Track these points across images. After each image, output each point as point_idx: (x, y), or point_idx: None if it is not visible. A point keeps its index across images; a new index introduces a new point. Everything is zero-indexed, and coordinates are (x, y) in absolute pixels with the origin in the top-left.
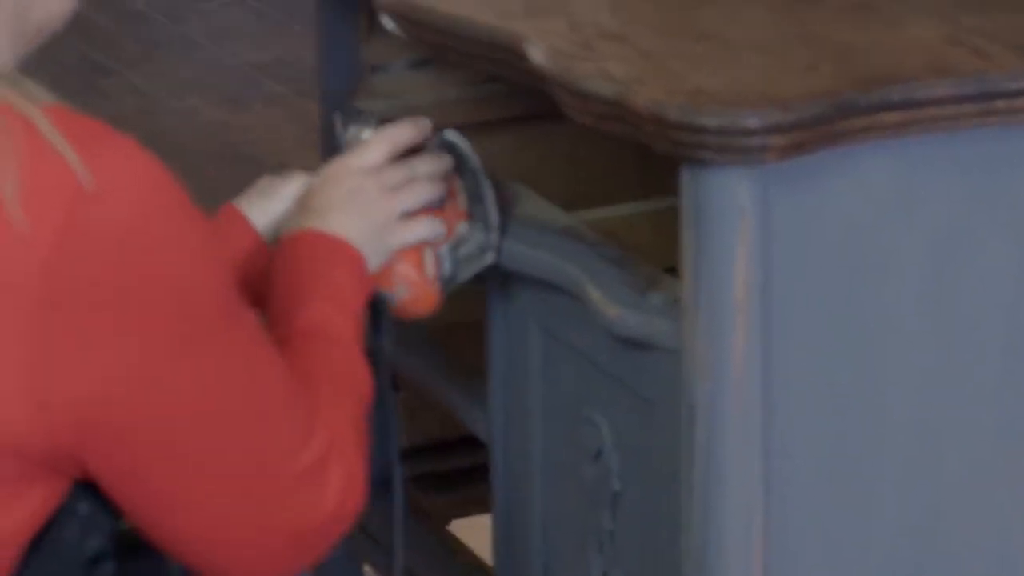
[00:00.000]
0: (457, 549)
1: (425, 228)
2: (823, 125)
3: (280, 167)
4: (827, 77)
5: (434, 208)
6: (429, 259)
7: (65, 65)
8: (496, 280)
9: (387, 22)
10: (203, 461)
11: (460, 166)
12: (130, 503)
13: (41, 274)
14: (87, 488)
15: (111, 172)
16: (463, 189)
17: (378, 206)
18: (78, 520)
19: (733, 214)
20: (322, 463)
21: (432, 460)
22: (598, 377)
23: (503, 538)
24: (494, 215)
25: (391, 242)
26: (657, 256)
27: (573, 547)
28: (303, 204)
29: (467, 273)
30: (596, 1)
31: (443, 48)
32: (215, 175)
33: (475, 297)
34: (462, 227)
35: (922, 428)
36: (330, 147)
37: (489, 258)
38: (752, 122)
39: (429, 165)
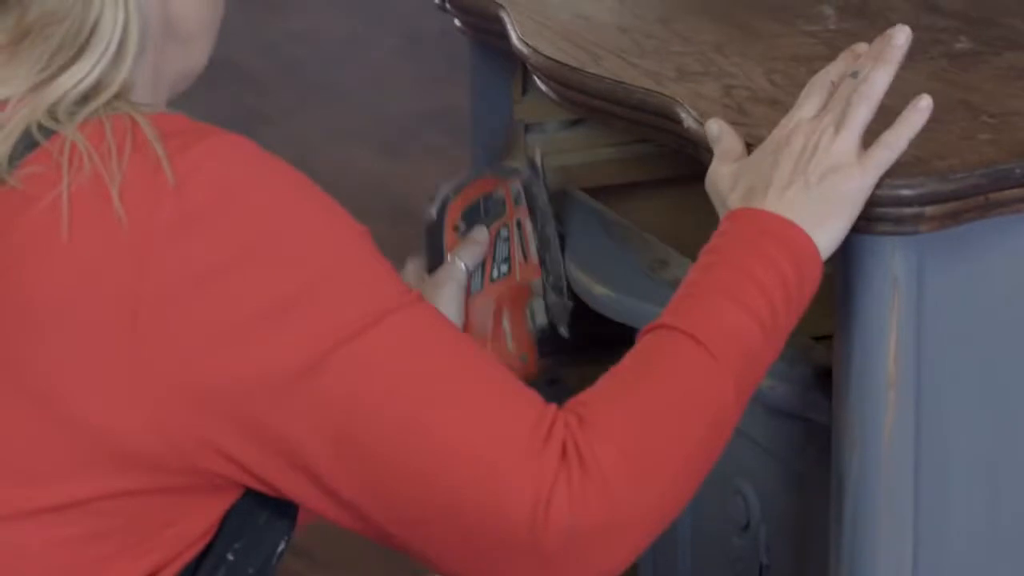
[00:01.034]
0: None
1: None
2: (979, 195)
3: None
4: (985, 145)
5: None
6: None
7: (221, 113)
8: None
9: (540, 82)
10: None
11: (531, 210)
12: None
13: (135, 269)
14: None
15: (194, 162)
16: (533, 235)
17: None
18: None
19: (886, 284)
20: (528, 458)
21: None
22: (749, 448)
23: None
24: (558, 260)
25: None
26: (810, 324)
27: None
28: None
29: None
30: (751, 65)
31: (593, 110)
32: (372, 226)
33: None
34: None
35: None
36: None
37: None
38: (907, 192)
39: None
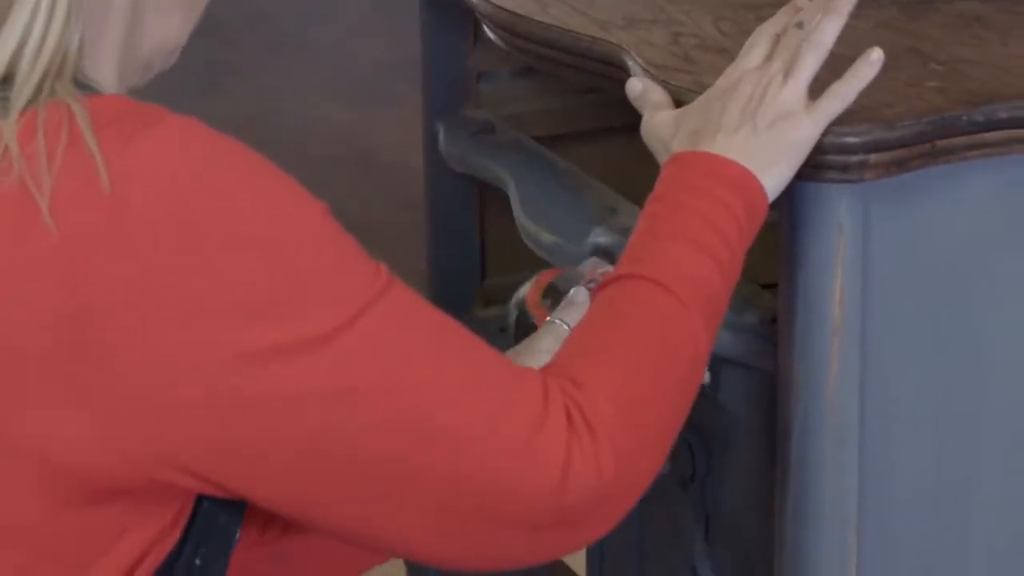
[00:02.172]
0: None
1: None
2: (925, 143)
3: None
4: (932, 93)
5: None
6: None
7: (187, 64)
8: None
9: (488, 31)
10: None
11: None
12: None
13: (69, 287)
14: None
15: (133, 161)
16: None
17: None
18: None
19: (831, 231)
20: (534, 432)
21: None
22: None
23: (598, 563)
24: None
25: None
26: (762, 273)
27: (669, 570)
28: None
29: None
30: (700, 13)
31: (541, 58)
32: (343, 178)
33: None
34: None
35: (1022, 449)
36: (434, 153)
37: None
38: (852, 140)
39: None
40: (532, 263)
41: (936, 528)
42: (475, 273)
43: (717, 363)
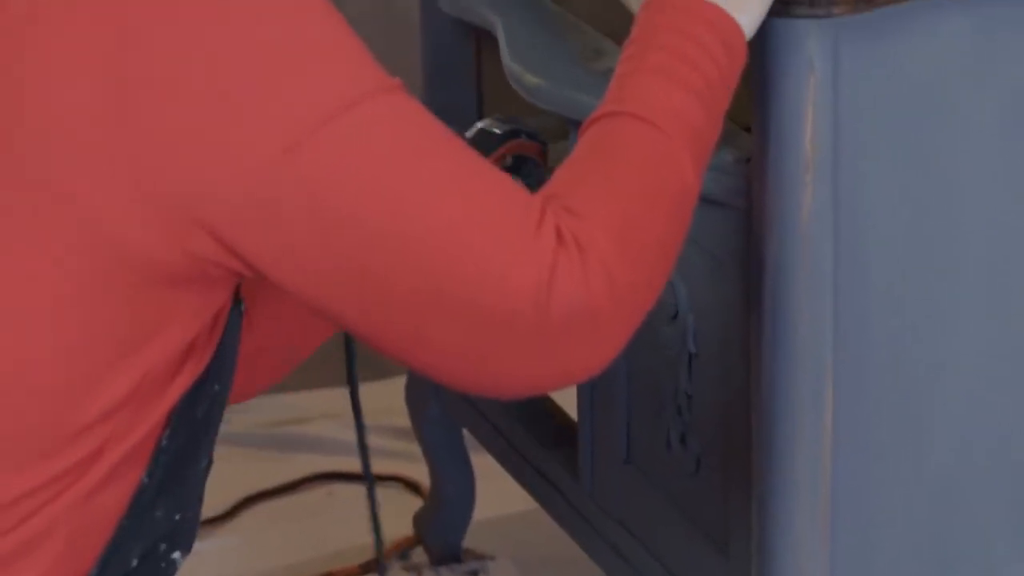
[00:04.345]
0: (550, 410)
1: None
2: None
3: None
4: None
5: None
6: None
7: None
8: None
9: None
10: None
11: None
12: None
13: (119, 45)
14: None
15: None
16: None
17: None
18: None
19: (802, 67)
20: (524, 235)
21: None
22: None
23: (588, 398)
24: None
25: None
26: (740, 113)
27: (655, 408)
28: None
29: None
30: None
31: None
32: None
33: None
34: None
35: (997, 286)
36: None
37: None
38: None
39: None
40: (528, 109)
41: (911, 362)
42: (471, 119)
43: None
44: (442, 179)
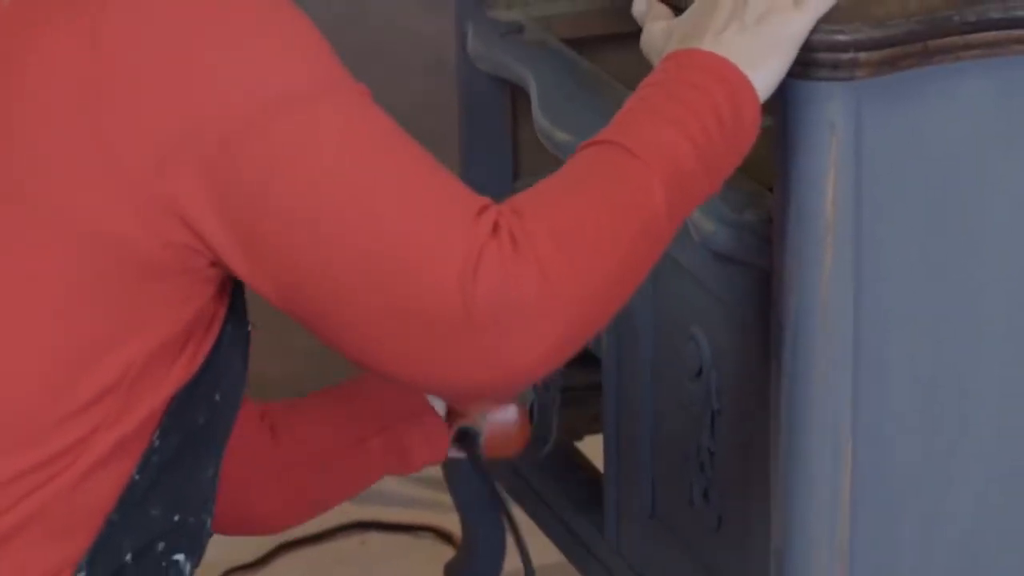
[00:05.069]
0: (579, 463)
1: None
2: (917, 42)
3: None
4: None
5: None
6: None
7: None
8: None
9: None
10: (323, 218)
11: None
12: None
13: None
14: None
15: None
16: None
17: None
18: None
19: (823, 129)
20: (456, 228)
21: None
22: (700, 294)
23: (614, 452)
24: None
25: None
26: (766, 174)
27: (678, 464)
28: None
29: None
30: None
31: None
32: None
33: None
34: None
35: (1020, 349)
36: (464, 54)
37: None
38: (842, 37)
39: None
40: (559, 165)
41: (931, 426)
42: (507, 175)
43: (720, 259)
44: (385, 172)
